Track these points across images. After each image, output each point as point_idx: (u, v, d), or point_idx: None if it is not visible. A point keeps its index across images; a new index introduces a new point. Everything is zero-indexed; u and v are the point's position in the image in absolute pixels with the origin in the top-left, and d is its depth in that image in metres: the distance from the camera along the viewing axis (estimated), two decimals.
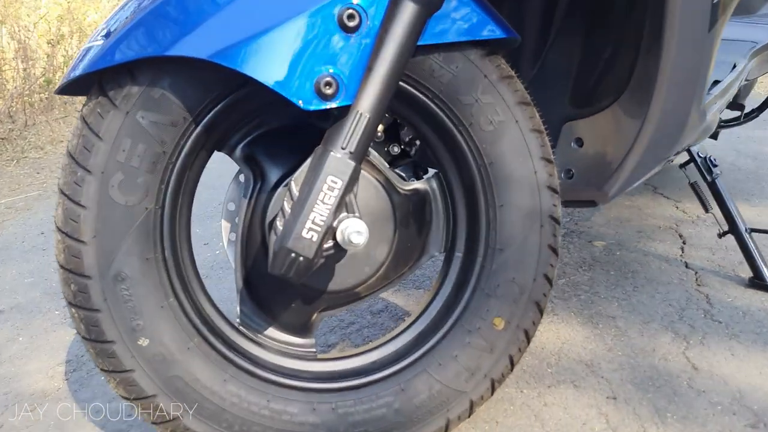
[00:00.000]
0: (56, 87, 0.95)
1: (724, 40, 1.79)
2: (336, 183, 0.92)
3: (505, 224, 1.10)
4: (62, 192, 0.94)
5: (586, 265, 1.94)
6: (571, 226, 2.28)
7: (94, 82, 0.94)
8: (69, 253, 0.94)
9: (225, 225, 1.15)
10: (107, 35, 0.92)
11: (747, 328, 1.53)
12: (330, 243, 0.95)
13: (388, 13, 0.90)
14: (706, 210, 1.80)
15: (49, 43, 6.32)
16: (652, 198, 2.56)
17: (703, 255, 1.97)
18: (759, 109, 2.51)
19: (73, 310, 0.96)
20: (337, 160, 0.91)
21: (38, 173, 4.06)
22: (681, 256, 1.98)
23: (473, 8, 1.02)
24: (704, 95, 1.23)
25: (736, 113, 2.54)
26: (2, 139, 4.77)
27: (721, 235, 1.80)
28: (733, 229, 1.76)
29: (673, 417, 1.22)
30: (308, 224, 0.91)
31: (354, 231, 0.94)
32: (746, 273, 1.78)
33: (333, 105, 0.91)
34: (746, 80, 1.87)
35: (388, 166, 1.14)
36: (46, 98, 5.93)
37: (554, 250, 1.12)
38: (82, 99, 0.97)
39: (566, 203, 1.36)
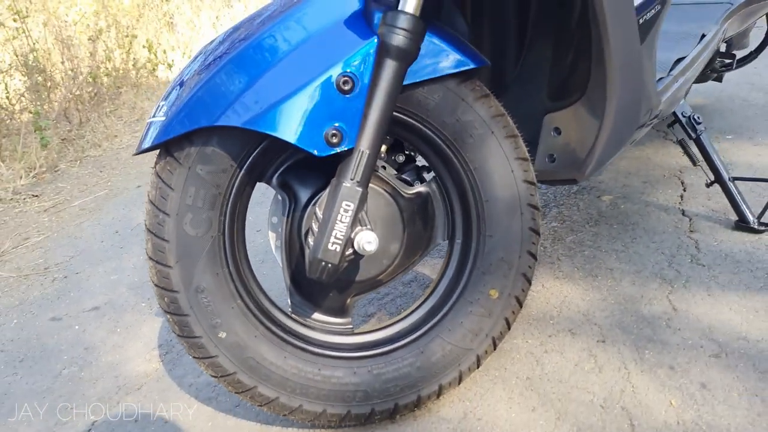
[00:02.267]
0: (134, 152, 1.25)
1: (700, 4, 1.97)
2: (349, 206, 1.20)
3: (492, 215, 1.36)
4: (149, 230, 1.26)
5: (592, 220, 2.18)
6: (583, 182, 2.50)
7: (161, 145, 1.24)
8: (160, 275, 1.26)
9: (271, 234, 1.46)
10: (165, 112, 1.21)
11: (726, 269, 1.76)
12: (350, 251, 1.25)
13: (374, 72, 1.17)
14: (694, 164, 2.00)
15: (89, 39, 6.69)
16: (662, 145, 2.75)
17: (699, 201, 2.19)
18: (756, 52, 2.64)
19: (169, 316, 1.29)
20: (348, 189, 1.20)
21: (101, 172, 4.47)
22: (680, 204, 2.20)
23: (445, 48, 1.26)
24: (654, 87, 1.44)
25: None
26: (63, 140, 5.19)
27: (708, 185, 2.01)
28: (718, 178, 1.97)
29: (650, 353, 1.49)
30: (332, 239, 1.21)
31: (366, 241, 1.23)
32: (734, 217, 1.99)
33: (340, 149, 1.19)
34: (726, 40, 2.04)
35: (395, 173, 1.42)
36: (95, 94, 6.34)
37: (535, 231, 1.38)
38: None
39: (550, 182, 1.62)
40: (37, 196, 4.00)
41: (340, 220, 1.20)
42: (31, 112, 4.99)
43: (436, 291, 1.44)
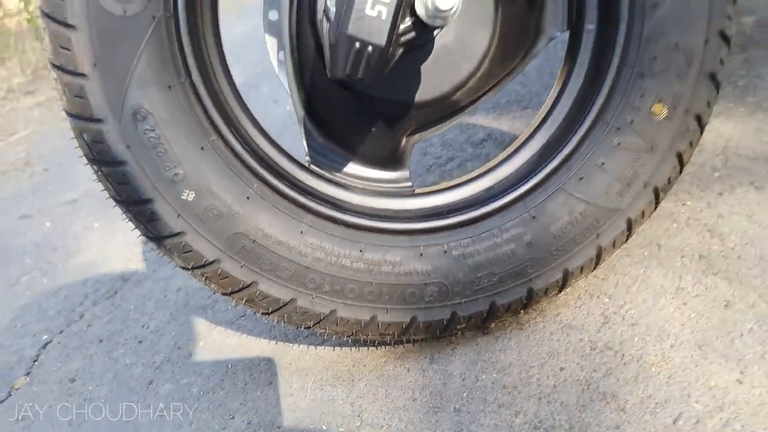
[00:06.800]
0: None
1: None
2: None
3: None
4: (44, 13, 0.69)
5: (737, 46, 1.53)
6: None
7: None
8: (70, 93, 0.71)
9: (270, 41, 0.87)
10: None
11: None
12: (408, 21, 0.66)
13: None
14: None
15: None
16: None
17: None
18: None
19: (95, 167, 0.74)
20: None
21: None
22: None
23: None
24: None
25: None
26: None
27: None
28: None
29: None
30: None
31: None
32: None
33: None
34: None
35: None
36: None
37: None
38: None
39: None
40: (31, 92, 3.50)
41: None
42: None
43: (553, 114, 0.85)
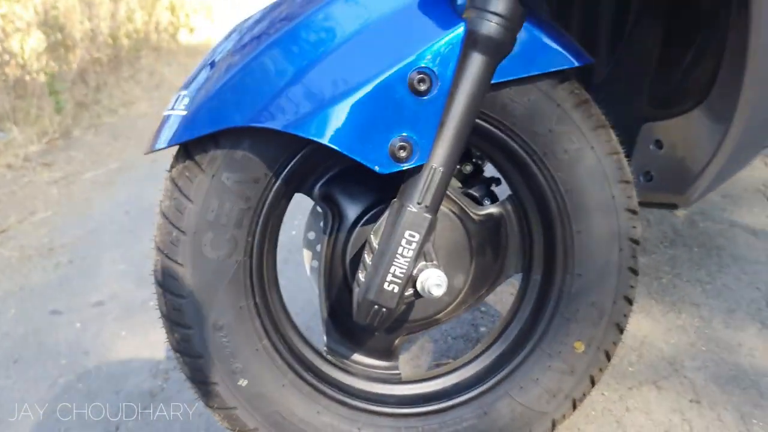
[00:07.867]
0: (145, 151, 1.00)
1: None
2: (414, 237, 0.94)
3: (583, 250, 1.09)
4: (160, 250, 1.01)
5: (667, 240, 1.90)
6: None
7: (180, 145, 0.98)
8: (170, 306, 1.01)
9: (306, 253, 1.20)
10: (188, 105, 0.95)
11: None
12: (410, 291, 0.98)
13: (458, 69, 0.89)
14: None
15: None
16: None
17: None
18: None
19: (178, 355, 1.04)
20: (413, 215, 0.93)
21: (116, 141, 4.23)
22: None
23: (543, 40, 0.98)
24: None
25: None
26: (78, 104, 4.94)
27: None
28: None
29: (758, 424, 1.22)
30: (389, 277, 0.94)
31: (434, 284, 0.96)
32: None
33: (408, 166, 0.92)
34: None
35: (461, 187, 1.16)
36: (114, 56, 6.08)
37: (634, 271, 1.11)
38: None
39: (645, 205, 1.34)
40: (48, 164, 3.78)
41: (401, 254, 0.94)
42: (46, 73, 4.74)
43: (505, 334, 1.17)
